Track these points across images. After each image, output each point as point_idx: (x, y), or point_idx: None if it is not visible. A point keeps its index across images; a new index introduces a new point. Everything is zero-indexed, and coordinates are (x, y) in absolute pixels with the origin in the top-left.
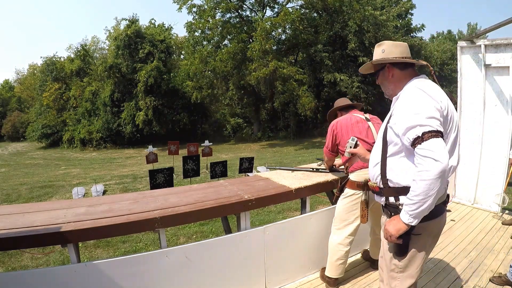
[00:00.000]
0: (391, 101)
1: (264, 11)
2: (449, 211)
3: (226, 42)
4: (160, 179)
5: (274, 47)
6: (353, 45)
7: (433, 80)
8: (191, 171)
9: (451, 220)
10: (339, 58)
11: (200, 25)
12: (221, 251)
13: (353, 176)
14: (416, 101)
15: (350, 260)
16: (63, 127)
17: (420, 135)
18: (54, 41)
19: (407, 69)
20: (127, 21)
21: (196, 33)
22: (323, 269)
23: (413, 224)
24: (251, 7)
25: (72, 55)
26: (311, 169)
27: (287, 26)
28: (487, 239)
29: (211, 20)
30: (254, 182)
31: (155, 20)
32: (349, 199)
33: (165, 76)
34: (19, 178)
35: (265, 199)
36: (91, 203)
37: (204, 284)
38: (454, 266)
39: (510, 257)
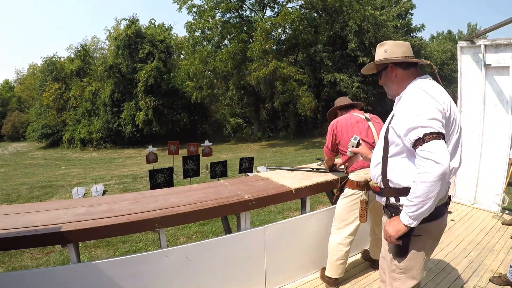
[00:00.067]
0: (392, 101)
1: (264, 11)
2: (451, 212)
3: (226, 42)
4: (160, 179)
5: (274, 47)
6: (353, 45)
7: (437, 80)
8: (191, 171)
9: (451, 220)
10: (339, 58)
11: (200, 25)
12: (221, 251)
13: (353, 176)
14: (418, 102)
15: (350, 260)
16: (63, 127)
17: (421, 136)
18: (54, 41)
19: (410, 69)
20: (127, 21)
21: (196, 33)
22: (323, 269)
23: (412, 225)
24: (251, 7)
25: (72, 55)
26: (311, 169)
27: (287, 26)
28: (487, 239)
29: (211, 20)
30: (254, 182)
31: (155, 20)
32: (349, 199)
33: (165, 76)
34: (19, 178)
35: (265, 199)
36: (91, 203)
37: (204, 284)
38: (454, 266)
39: (510, 257)
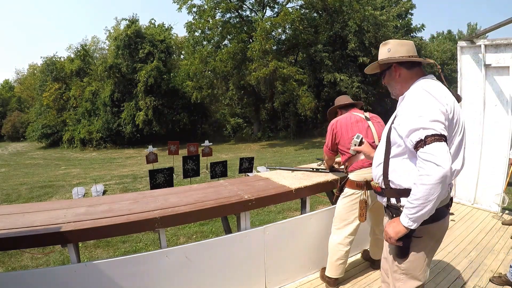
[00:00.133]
0: (392, 101)
1: (264, 11)
2: (452, 214)
3: (226, 42)
4: (160, 179)
5: (274, 47)
6: (353, 45)
7: (441, 80)
8: (191, 171)
9: (451, 220)
10: (339, 58)
11: (200, 25)
12: (221, 251)
13: (352, 176)
14: (420, 103)
15: (350, 260)
16: (63, 127)
17: (423, 138)
18: (54, 41)
19: (414, 68)
20: (127, 21)
21: (196, 33)
22: (323, 269)
23: (412, 227)
24: (251, 7)
25: (72, 55)
26: (311, 169)
27: (287, 26)
28: (487, 239)
29: (211, 20)
30: (254, 182)
31: (155, 20)
32: (349, 199)
33: (165, 76)
34: (19, 178)
35: (265, 199)
36: (91, 203)
37: (204, 284)
38: (454, 266)
39: (510, 257)
